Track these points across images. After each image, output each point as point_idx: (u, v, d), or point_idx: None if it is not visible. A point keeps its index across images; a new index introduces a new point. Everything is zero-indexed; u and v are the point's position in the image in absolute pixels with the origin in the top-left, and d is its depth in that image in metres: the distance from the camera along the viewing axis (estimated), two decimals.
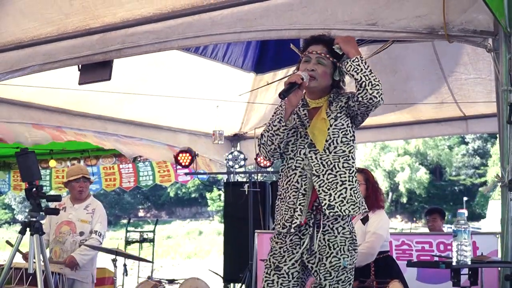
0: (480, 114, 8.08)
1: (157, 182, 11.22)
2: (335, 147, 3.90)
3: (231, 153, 9.19)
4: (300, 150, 3.96)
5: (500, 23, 3.91)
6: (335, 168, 3.88)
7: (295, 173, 3.95)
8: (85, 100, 7.62)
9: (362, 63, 3.79)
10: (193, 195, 55.76)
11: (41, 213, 5.28)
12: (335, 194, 3.84)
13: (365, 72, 3.77)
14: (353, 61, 3.80)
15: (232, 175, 9.62)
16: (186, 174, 10.30)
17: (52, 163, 10.50)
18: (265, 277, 3.99)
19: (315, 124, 3.93)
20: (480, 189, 49.16)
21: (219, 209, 49.00)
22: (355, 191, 3.91)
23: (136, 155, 9.34)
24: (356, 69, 3.78)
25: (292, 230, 3.88)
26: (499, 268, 6.14)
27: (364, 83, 3.75)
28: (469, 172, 53.22)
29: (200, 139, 9.44)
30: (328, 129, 3.89)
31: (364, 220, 5.75)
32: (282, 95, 3.81)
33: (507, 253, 3.92)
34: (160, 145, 9.15)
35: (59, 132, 7.83)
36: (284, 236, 3.97)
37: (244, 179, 9.73)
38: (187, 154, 8.82)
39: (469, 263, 4.09)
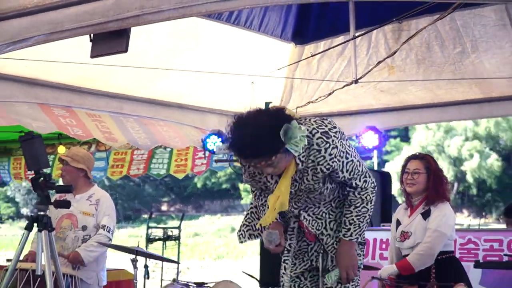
0: None
1: (171, 172, 11.17)
2: (325, 199, 4.39)
3: None
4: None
5: None
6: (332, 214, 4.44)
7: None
8: (99, 76, 7.66)
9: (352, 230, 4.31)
10: (224, 186, 55.76)
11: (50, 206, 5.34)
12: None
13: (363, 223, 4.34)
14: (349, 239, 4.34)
15: None
16: (216, 161, 10.30)
17: (61, 149, 10.53)
18: None
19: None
20: None
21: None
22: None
23: (156, 145, 9.28)
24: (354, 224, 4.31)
25: None
26: None
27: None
28: None
29: None
30: (314, 198, 4.30)
31: (425, 215, 5.74)
32: None
33: None
34: (187, 126, 9.13)
35: (68, 116, 7.82)
36: None
37: None
38: (217, 138, 8.81)
39: None
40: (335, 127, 4.12)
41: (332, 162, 4.05)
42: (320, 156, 4.03)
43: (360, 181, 4.25)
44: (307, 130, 4.02)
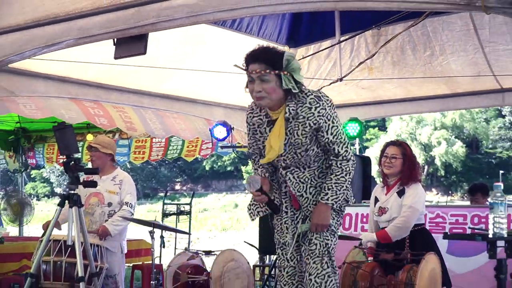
0: None
1: (182, 155, 11.26)
2: (309, 166, 4.37)
3: None
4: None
5: None
6: (313, 182, 4.40)
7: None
8: (122, 74, 7.64)
9: (333, 196, 4.28)
10: (228, 169, 55.96)
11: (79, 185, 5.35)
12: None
13: (340, 191, 4.29)
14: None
15: None
16: (221, 147, 10.31)
17: (89, 137, 10.55)
18: None
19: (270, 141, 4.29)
20: None
21: None
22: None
23: (169, 135, 9.32)
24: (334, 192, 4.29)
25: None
26: None
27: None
28: (505, 145, 52.70)
29: (236, 113, 9.41)
30: (301, 157, 4.29)
31: (400, 194, 5.76)
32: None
33: None
34: (197, 118, 9.15)
35: (96, 107, 7.84)
36: None
37: None
38: (223, 127, 8.82)
39: (506, 235, 4.05)
40: (327, 97, 4.24)
41: (319, 119, 4.12)
42: (310, 112, 4.13)
43: (342, 148, 4.25)
44: (303, 91, 4.19)
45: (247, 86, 4.24)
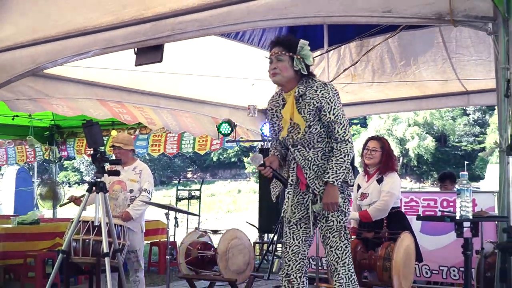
0: (480, 89, 7.97)
1: (196, 150, 11.28)
2: (313, 146, 4.32)
3: (264, 123, 9.19)
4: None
5: (499, 9, 3.84)
6: (316, 161, 4.32)
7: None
8: (141, 79, 7.64)
9: (335, 176, 4.21)
10: (233, 159, 55.90)
11: (105, 174, 5.35)
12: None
13: (340, 170, 4.22)
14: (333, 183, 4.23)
15: (265, 142, 9.62)
16: (227, 141, 10.32)
17: (113, 132, 10.57)
18: None
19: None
20: (479, 154, 48.66)
21: (255, 171, 49.03)
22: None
23: (182, 131, 9.34)
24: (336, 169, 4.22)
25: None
26: (497, 222, 6.08)
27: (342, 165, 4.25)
28: (470, 140, 52.63)
29: (239, 112, 9.42)
30: (305, 134, 4.27)
31: (379, 181, 5.76)
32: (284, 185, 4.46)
33: (503, 209, 3.87)
34: (205, 116, 9.15)
35: (120, 107, 7.84)
36: None
37: None
38: (228, 125, 8.82)
39: (471, 217, 4.05)
40: (333, 86, 4.31)
41: (322, 99, 4.17)
42: (315, 94, 4.19)
43: (341, 129, 4.23)
44: (313, 79, 4.31)
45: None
